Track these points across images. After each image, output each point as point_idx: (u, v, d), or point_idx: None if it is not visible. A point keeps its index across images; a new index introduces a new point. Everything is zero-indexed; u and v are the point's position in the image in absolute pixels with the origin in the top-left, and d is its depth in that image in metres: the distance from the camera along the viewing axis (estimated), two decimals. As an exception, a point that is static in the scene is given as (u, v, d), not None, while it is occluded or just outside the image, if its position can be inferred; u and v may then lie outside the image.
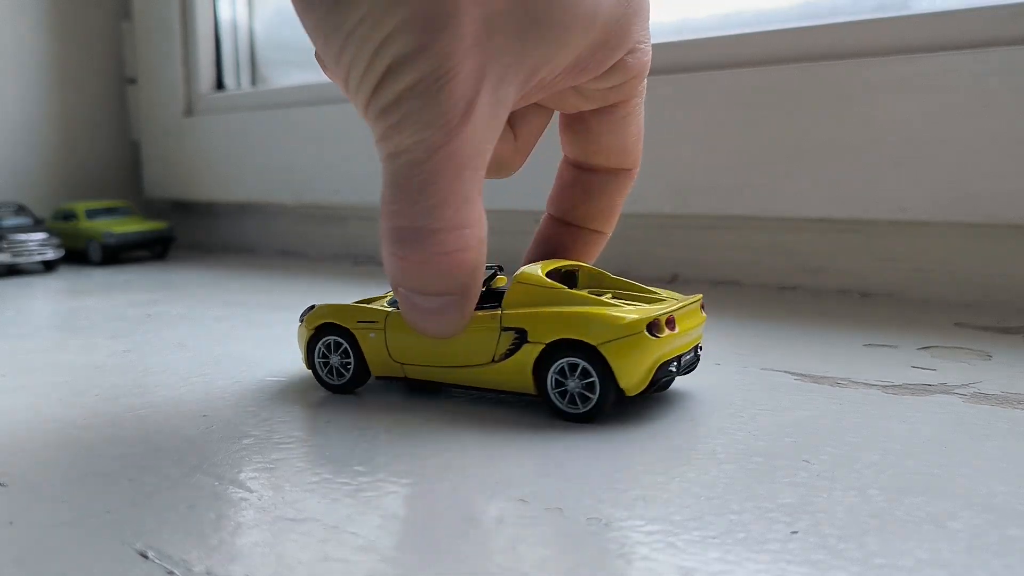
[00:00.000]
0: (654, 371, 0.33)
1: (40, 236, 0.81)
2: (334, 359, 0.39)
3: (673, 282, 0.65)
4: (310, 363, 0.40)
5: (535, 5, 0.29)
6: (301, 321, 0.40)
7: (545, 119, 0.38)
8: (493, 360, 0.34)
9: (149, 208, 1.04)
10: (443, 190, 0.29)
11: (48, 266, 0.83)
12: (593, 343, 0.32)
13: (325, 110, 0.85)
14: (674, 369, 0.34)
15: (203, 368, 0.44)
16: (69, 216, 0.90)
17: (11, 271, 0.81)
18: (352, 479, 0.29)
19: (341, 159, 0.83)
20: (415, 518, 0.26)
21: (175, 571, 0.23)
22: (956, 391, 0.37)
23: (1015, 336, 0.45)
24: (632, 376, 0.32)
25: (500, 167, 0.38)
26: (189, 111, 0.99)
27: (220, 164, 0.95)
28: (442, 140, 0.28)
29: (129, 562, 0.23)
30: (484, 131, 0.29)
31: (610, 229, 0.40)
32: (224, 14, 0.99)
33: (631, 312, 0.33)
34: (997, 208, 0.50)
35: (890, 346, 0.44)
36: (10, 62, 0.95)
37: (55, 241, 0.82)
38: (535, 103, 0.36)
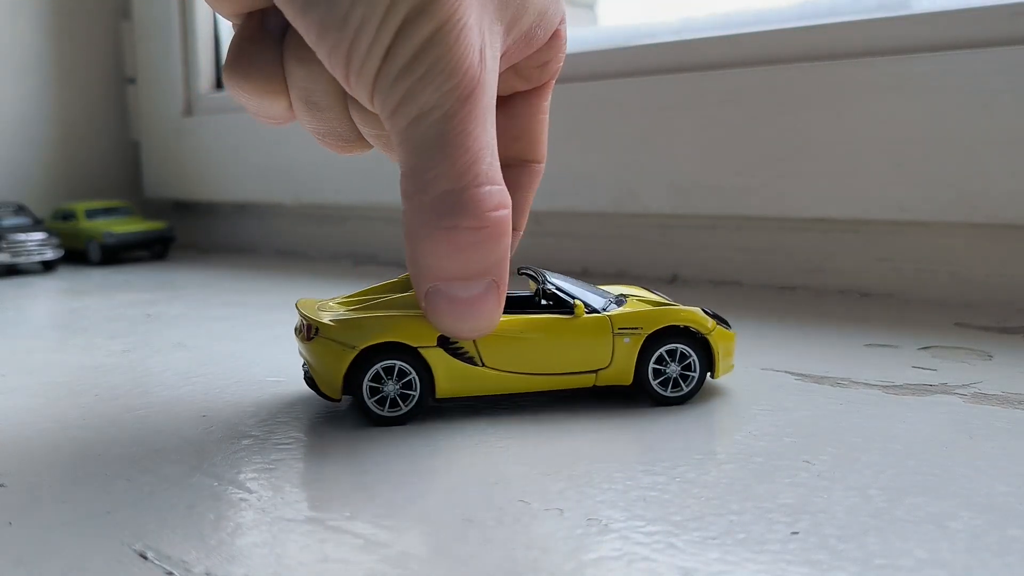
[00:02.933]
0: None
1: (39, 236, 0.81)
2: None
3: (673, 282, 0.65)
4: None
5: None
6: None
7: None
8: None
9: (149, 208, 1.04)
10: (479, 140, 0.28)
11: (47, 266, 0.83)
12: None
13: (325, 110, 0.84)
14: None
15: (203, 368, 0.44)
16: (68, 216, 0.90)
17: (10, 271, 0.81)
18: (351, 479, 0.29)
19: (341, 159, 0.83)
20: (415, 519, 0.26)
21: (174, 572, 0.23)
22: (956, 391, 0.37)
23: (1015, 336, 0.45)
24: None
25: None
26: (189, 111, 0.99)
27: (220, 164, 0.95)
28: (470, 86, 0.27)
29: (128, 563, 0.23)
30: (493, 83, 0.28)
31: (522, 223, 0.38)
32: (224, 14, 0.98)
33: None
34: (997, 208, 0.50)
35: (890, 346, 0.44)
36: (10, 62, 0.95)
37: (54, 241, 0.82)
38: None
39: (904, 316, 0.51)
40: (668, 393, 0.36)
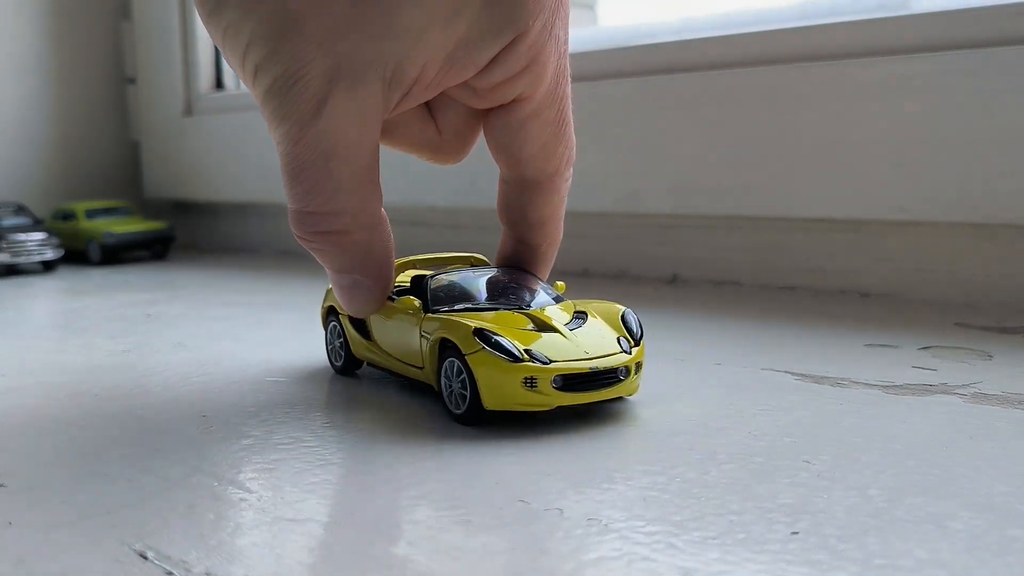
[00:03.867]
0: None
1: (39, 236, 0.81)
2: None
3: (673, 282, 0.65)
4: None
5: (380, 5, 0.30)
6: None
7: (467, 112, 0.37)
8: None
9: (149, 208, 1.04)
10: (311, 177, 0.32)
11: (47, 266, 0.83)
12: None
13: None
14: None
15: (203, 368, 0.44)
16: (68, 216, 0.90)
17: (10, 271, 0.81)
18: (351, 480, 0.29)
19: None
20: (415, 519, 0.26)
21: (175, 572, 0.23)
22: (956, 391, 0.37)
23: (1015, 336, 0.45)
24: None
25: (435, 153, 0.39)
26: (189, 111, 0.99)
27: (220, 164, 0.95)
28: (298, 134, 0.31)
29: (129, 563, 0.23)
30: (347, 126, 0.31)
31: (537, 239, 0.39)
32: (224, 14, 0.98)
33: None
34: (997, 208, 0.50)
35: (890, 346, 0.44)
36: (10, 62, 0.95)
37: (54, 241, 0.82)
38: (451, 96, 0.36)
39: (904, 316, 0.51)
40: (454, 410, 0.34)
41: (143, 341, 0.51)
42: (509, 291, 0.37)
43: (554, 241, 0.39)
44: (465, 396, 0.33)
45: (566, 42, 0.35)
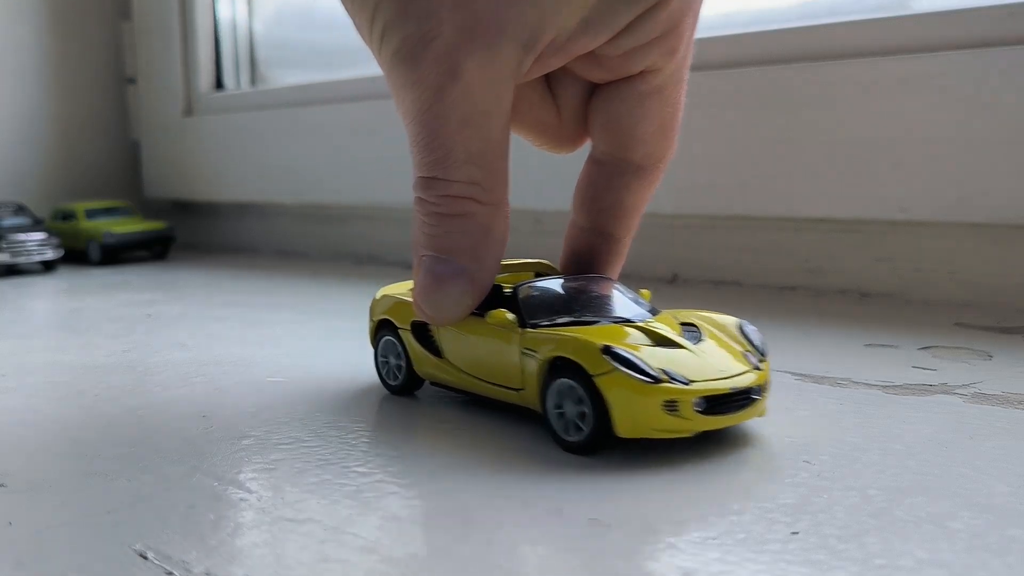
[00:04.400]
0: None
1: (39, 236, 0.81)
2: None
3: (674, 282, 0.65)
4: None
5: None
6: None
7: (588, 92, 0.35)
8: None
9: (149, 208, 1.04)
10: (444, 146, 0.30)
11: (47, 266, 0.83)
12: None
13: (325, 110, 0.85)
14: None
15: (203, 368, 0.44)
16: (68, 216, 0.90)
17: (10, 271, 0.81)
18: (352, 480, 0.29)
19: (341, 159, 0.83)
20: (415, 519, 0.26)
21: (175, 572, 0.23)
22: (957, 391, 0.37)
23: (1015, 336, 0.45)
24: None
25: (553, 137, 0.37)
26: (189, 111, 0.99)
27: (220, 164, 0.95)
28: (431, 99, 0.30)
29: (129, 563, 0.23)
30: (482, 92, 0.30)
31: (621, 231, 0.37)
32: (224, 14, 0.99)
33: None
34: (997, 208, 0.50)
35: (891, 346, 0.44)
36: (10, 62, 0.95)
37: (54, 241, 0.82)
38: (572, 72, 0.34)
39: (904, 316, 0.51)
40: (566, 437, 0.30)
41: (143, 341, 0.51)
42: (602, 301, 0.33)
43: (633, 234, 0.37)
44: (584, 422, 0.29)
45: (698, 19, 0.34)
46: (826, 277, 0.59)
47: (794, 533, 0.24)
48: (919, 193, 0.52)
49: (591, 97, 0.35)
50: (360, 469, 0.30)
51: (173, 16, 0.98)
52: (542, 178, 0.68)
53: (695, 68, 0.61)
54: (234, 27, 0.99)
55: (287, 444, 0.32)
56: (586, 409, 0.29)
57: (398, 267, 0.78)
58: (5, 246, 0.80)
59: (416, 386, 0.38)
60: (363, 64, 0.85)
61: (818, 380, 0.39)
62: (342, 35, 0.87)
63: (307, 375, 0.42)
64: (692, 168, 0.61)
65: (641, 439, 0.29)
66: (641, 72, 0.33)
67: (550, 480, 0.28)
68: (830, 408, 0.35)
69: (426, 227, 0.32)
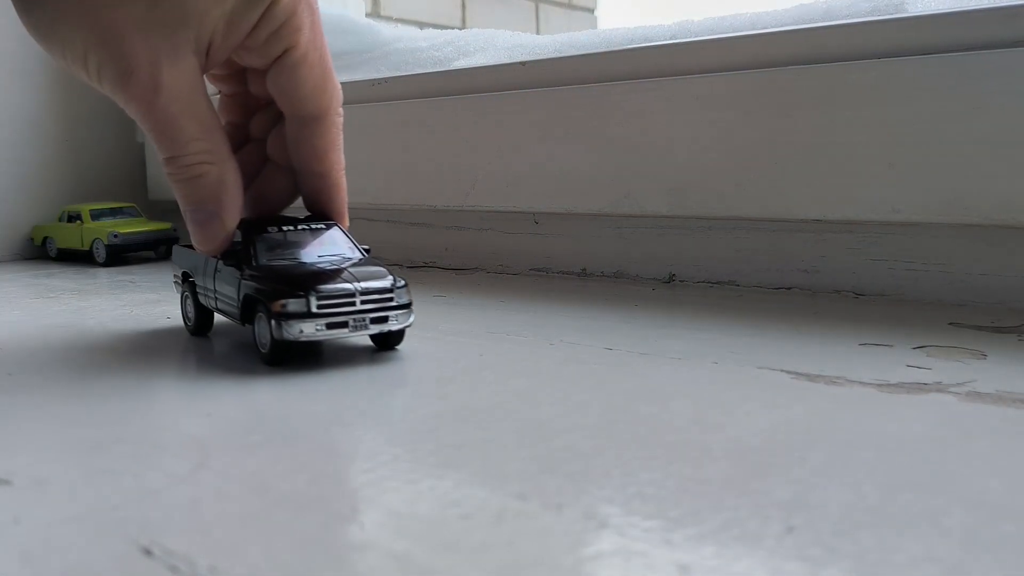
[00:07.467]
0: None
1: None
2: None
3: (670, 282, 0.65)
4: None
5: (170, 1, 0.40)
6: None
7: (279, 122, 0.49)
8: None
9: (154, 209, 1.04)
10: (170, 133, 0.42)
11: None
12: None
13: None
14: None
15: (207, 366, 0.44)
16: (74, 217, 0.91)
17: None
18: (354, 476, 0.29)
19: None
20: (415, 515, 0.26)
21: (180, 566, 0.23)
22: (951, 390, 0.37)
23: (1009, 335, 0.46)
24: None
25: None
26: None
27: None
28: (148, 108, 0.41)
29: (134, 559, 0.24)
30: (180, 91, 0.41)
31: (325, 167, 0.48)
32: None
33: None
34: (990, 209, 0.50)
35: (885, 345, 0.45)
36: (15, 63, 0.95)
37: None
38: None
39: (898, 315, 0.51)
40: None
41: (148, 340, 0.51)
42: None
43: (340, 167, 0.48)
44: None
45: (316, 2, 0.46)
46: (821, 277, 0.59)
47: (789, 529, 0.24)
48: (912, 194, 0.53)
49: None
50: (362, 465, 0.30)
51: (172, 18, 0.98)
52: (540, 180, 0.69)
53: (692, 72, 0.61)
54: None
55: (291, 441, 0.33)
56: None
57: (397, 267, 0.78)
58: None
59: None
60: (362, 67, 0.85)
61: (813, 379, 0.39)
62: (341, 39, 0.87)
63: (310, 373, 0.42)
64: (688, 170, 0.61)
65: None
66: (285, 50, 0.44)
67: (548, 476, 0.28)
68: (825, 406, 0.35)
69: (180, 190, 0.44)
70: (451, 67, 0.77)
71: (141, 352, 0.48)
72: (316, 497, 0.28)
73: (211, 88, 0.49)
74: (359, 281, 0.43)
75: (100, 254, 0.87)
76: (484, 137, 0.71)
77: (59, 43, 0.41)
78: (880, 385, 0.38)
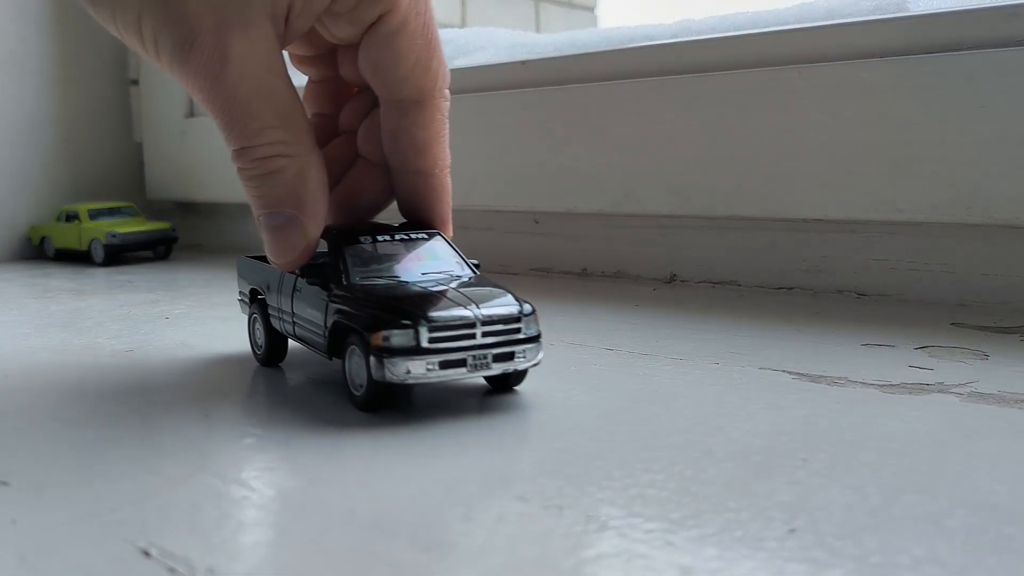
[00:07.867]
0: None
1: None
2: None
3: (671, 282, 0.65)
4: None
5: None
6: None
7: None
8: None
9: (152, 209, 1.04)
10: (238, 120, 0.35)
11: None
12: None
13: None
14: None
15: (206, 368, 0.44)
16: (72, 217, 0.90)
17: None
18: (353, 478, 0.29)
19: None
20: (415, 517, 0.26)
21: (178, 568, 0.23)
22: (953, 390, 0.37)
23: (1012, 336, 0.46)
24: None
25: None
26: (191, 112, 0.99)
27: (223, 164, 0.95)
28: (214, 87, 0.34)
29: (132, 560, 0.24)
30: (253, 66, 0.34)
31: (427, 165, 0.40)
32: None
33: None
34: (993, 208, 0.50)
35: (887, 346, 0.44)
36: (13, 63, 0.95)
37: None
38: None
39: (900, 316, 0.51)
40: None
41: (147, 341, 0.51)
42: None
43: (445, 164, 0.40)
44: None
45: None
46: (823, 277, 0.59)
47: (791, 530, 0.24)
48: (915, 194, 0.53)
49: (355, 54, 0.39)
50: (361, 467, 0.30)
51: (173, 17, 0.98)
52: (540, 179, 0.69)
53: (694, 70, 0.61)
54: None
55: (289, 443, 0.33)
56: None
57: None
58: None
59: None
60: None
61: (815, 379, 0.39)
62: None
63: (309, 374, 0.42)
64: (690, 169, 0.61)
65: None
66: (380, 17, 0.37)
67: (549, 478, 0.28)
68: (827, 407, 0.35)
69: (251, 190, 0.37)
70: (451, 66, 0.77)
71: (139, 354, 0.48)
72: (315, 499, 0.27)
73: (296, 77, 0.41)
74: (479, 307, 0.34)
75: (98, 254, 0.87)
76: (484, 137, 0.71)
77: (109, 5, 0.34)
78: (882, 385, 0.38)
